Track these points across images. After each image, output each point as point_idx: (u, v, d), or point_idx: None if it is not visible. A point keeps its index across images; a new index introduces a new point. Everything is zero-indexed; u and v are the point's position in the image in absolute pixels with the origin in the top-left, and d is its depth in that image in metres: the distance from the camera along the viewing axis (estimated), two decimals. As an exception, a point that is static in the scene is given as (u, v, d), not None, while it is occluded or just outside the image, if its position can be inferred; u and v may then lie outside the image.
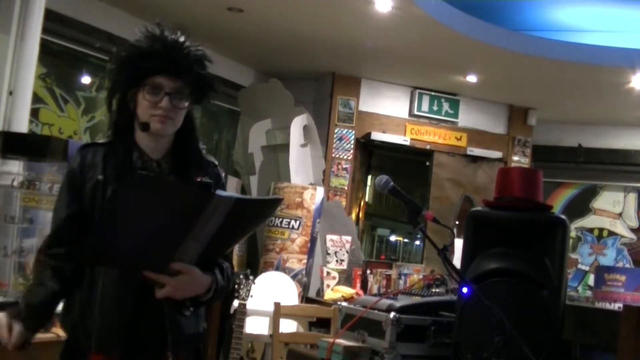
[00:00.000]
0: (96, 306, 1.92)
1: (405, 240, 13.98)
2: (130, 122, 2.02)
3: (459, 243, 3.58)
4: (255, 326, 4.81)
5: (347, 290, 5.41)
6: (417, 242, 11.38)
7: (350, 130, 6.86)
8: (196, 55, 2.01)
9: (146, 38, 1.99)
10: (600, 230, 7.98)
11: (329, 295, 5.48)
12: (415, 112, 7.05)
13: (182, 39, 2.01)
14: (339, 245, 5.96)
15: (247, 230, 2.08)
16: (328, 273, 5.75)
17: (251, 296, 4.02)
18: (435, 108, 7.12)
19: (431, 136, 7.15)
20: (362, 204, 7.44)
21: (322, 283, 5.73)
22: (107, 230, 1.81)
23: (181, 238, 1.85)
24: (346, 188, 6.83)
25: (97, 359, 1.93)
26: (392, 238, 14.24)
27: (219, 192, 1.86)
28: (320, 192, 6.00)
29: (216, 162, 2.18)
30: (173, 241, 1.86)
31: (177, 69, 1.97)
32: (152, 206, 1.77)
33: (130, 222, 1.79)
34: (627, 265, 7.67)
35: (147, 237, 1.82)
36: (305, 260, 5.80)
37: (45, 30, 4.26)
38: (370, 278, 5.71)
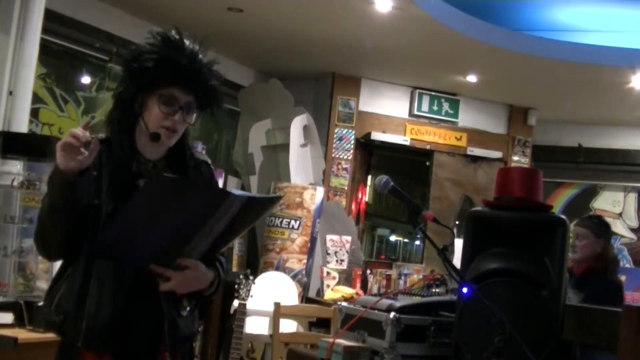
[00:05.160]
0: (86, 302, 1.89)
1: (405, 240, 13.97)
2: (132, 124, 2.01)
3: (459, 243, 3.58)
4: (255, 326, 4.81)
5: (347, 290, 5.41)
6: (417, 242, 11.37)
7: (350, 130, 6.86)
8: (210, 71, 2.03)
9: (164, 44, 1.98)
10: (601, 230, 7.95)
11: (329, 295, 5.48)
12: (415, 112, 7.05)
13: (197, 49, 2.01)
14: (339, 245, 5.96)
15: (247, 226, 2.10)
16: (328, 273, 5.75)
17: (251, 296, 4.02)
18: (435, 108, 7.12)
19: (431, 136, 7.15)
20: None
21: (322, 283, 5.73)
22: (124, 227, 1.83)
23: (193, 235, 1.88)
24: (346, 188, 6.83)
25: (91, 358, 1.92)
26: (392, 238, 14.23)
27: (233, 190, 1.87)
28: (320, 192, 6.00)
29: (209, 161, 2.19)
30: (185, 237, 1.89)
31: (193, 84, 1.99)
32: (171, 206, 1.80)
33: (147, 221, 1.82)
34: (627, 265, 7.67)
35: (162, 234, 1.85)
36: (305, 260, 5.80)
37: (45, 30, 4.26)
38: (370, 278, 5.72)
